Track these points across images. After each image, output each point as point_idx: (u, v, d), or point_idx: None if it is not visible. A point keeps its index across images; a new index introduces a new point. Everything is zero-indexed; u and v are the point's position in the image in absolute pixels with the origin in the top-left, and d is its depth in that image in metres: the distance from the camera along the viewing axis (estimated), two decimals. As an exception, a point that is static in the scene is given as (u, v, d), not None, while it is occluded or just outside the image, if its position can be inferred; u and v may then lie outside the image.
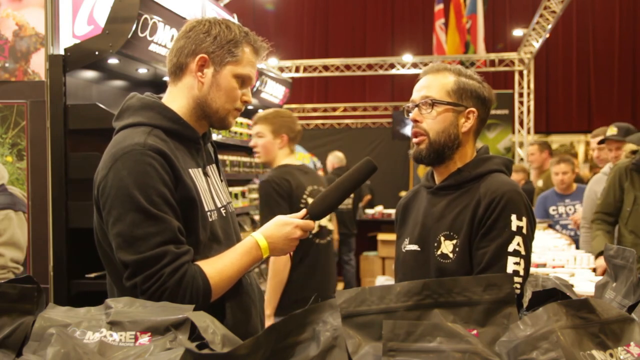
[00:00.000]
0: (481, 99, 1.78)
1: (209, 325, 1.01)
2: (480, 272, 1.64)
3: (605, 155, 4.51)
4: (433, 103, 1.74)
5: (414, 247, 1.80)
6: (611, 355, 0.94)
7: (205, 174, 1.65)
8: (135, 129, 1.53)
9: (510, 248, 1.63)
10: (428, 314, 0.96)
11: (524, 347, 0.89)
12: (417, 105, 1.77)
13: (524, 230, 1.65)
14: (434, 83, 1.77)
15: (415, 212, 1.87)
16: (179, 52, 1.61)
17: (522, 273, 1.62)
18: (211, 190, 1.65)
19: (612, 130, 4.24)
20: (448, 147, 1.75)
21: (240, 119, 4.15)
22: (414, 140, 1.79)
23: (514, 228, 1.64)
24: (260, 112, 3.20)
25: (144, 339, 1.00)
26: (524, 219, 1.66)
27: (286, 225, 1.62)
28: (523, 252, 1.64)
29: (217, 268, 1.51)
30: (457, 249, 1.69)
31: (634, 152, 3.88)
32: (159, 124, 1.56)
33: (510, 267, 1.62)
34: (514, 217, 1.64)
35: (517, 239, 1.63)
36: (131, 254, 1.42)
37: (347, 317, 0.95)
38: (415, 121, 1.77)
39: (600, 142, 4.49)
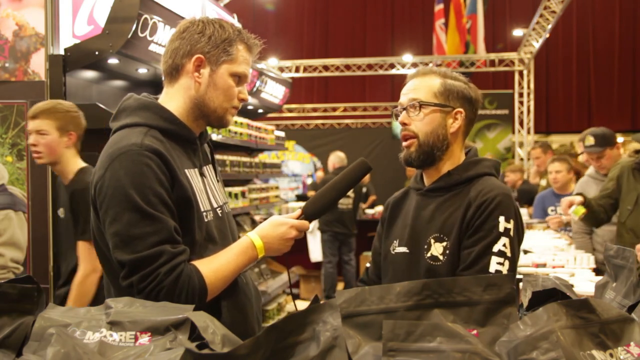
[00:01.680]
0: (467, 99, 1.80)
1: (209, 325, 1.01)
2: (463, 270, 1.66)
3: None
4: (420, 105, 1.75)
5: (403, 249, 1.80)
6: (611, 355, 0.94)
7: (202, 174, 1.66)
8: (132, 129, 1.54)
9: (495, 248, 1.64)
10: (428, 314, 0.96)
11: (524, 347, 0.89)
12: (405, 109, 1.78)
13: (511, 233, 1.66)
14: (420, 85, 1.78)
15: (404, 214, 1.87)
16: (174, 53, 1.61)
17: (505, 273, 1.63)
18: (207, 190, 1.65)
19: (589, 141, 4.15)
20: (437, 148, 1.77)
21: (240, 119, 4.15)
22: (404, 143, 1.80)
23: (501, 229, 1.65)
24: (39, 104, 2.63)
25: (144, 339, 1.00)
26: (512, 221, 1.67)
27: (281, 225, 1.62)
28: (508, 254, 1.65)
29: (212, 268, 1.52)
30: (447, 251, 1.70)
31: (637, 152, 3.87)
32: (156, 124, 1.56)
33: (493, 267, 1.63)
34: (501, 218, 1.66)
35: (504, 240, 1.65)
36: (128, 254, 1.43)
37: (347, 317, 0.95)
38: (404, 124, 1.78)
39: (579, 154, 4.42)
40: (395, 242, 1.85)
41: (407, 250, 1.79)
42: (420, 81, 1.80)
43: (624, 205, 3.69)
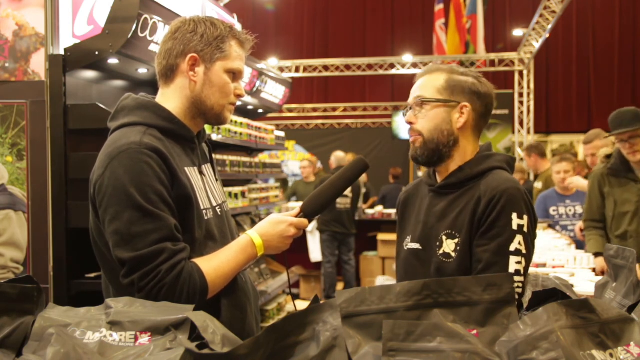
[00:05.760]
0: (475, 93, 1.78)
1: (209, 325, 1.01)
2: (481, 271, 1.64)
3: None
4: (422, 102, 1.76)
5: (416, 245, 1.80)
6: (611, 355, 0.94)
7: (201, 173, 1.66)
8: (131, 128, 1.54)
9: (512, 247, 1.63)
10: (428, 314, 0.96)
11: (524, 347, 0.89)
12: (411, 108, 1.79)
13: (525, 229, 1.65)
14: (425, 84, 1.79)
15: (417, 210, 1.86)
16: (168, 54, 1.62)
17: (523, 272, 1.62)
18: (206, 189, 1.66)
19: None
20: (443, 145, 1.75)
21: (240, 119, 4.15)
22: (410, 139, 1.81)
23: (514, 227, 1.63)
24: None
25: (144, 339, 1.00)
26: (525, 217, 1.65)
27: (280, 223, 1.63)
28: (524, 251, 1.64)
29: (213, 265, 1.52)
30: (458, 248, 1.69)
31: (608, 157, 3.84)
32: (155, 123, 1.56)
33: (512, 267, 1.62)
34: (514, 215, 1.64)
35: (519, 238, 1.63)
36: (128, 252, 1.43)
37: (347, 317, 0.95)
38: (410, 123, 1.79)
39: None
40: (408, 237, 1.84)
41: (420, 247, 1.78)
42: (426, 79, 1.80)
43: (607, 212, 3.71)
